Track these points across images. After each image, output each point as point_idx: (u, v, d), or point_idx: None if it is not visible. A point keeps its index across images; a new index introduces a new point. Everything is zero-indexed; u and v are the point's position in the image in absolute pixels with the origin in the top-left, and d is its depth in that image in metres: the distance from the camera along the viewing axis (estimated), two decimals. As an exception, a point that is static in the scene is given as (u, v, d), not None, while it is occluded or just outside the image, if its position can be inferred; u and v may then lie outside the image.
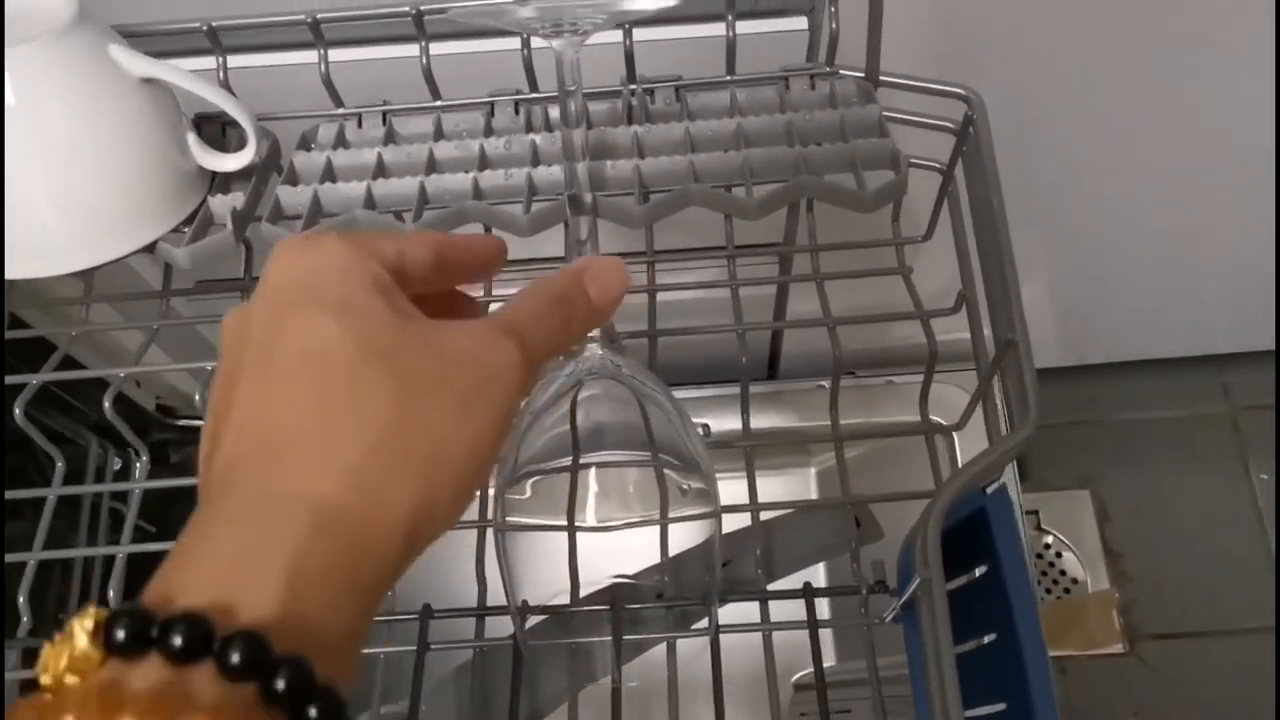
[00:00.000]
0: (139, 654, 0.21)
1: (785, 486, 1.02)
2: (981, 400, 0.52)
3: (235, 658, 0.21)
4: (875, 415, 0.93)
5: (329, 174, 0.49)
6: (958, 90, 0.50)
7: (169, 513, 0.97)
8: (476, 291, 0.54)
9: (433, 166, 0.49)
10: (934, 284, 0.59)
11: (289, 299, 0.27)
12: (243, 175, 0.49)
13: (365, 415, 0.25)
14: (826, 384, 1.02)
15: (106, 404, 0.57)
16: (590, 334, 0.46)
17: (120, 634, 0.21)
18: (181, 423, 1.05)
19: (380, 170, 0.49)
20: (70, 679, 0.22)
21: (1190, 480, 1.17)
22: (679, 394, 0.59)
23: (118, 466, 0.98)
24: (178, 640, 0.21)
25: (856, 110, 0.49)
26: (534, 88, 0.52)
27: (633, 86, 0.51)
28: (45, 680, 0.22)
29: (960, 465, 0.63)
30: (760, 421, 0.93)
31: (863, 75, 0.51)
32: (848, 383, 1.07)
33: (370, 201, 0.47)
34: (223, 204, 0.47)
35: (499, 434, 0.28)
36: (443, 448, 0.26)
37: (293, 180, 0.48)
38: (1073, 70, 0.77)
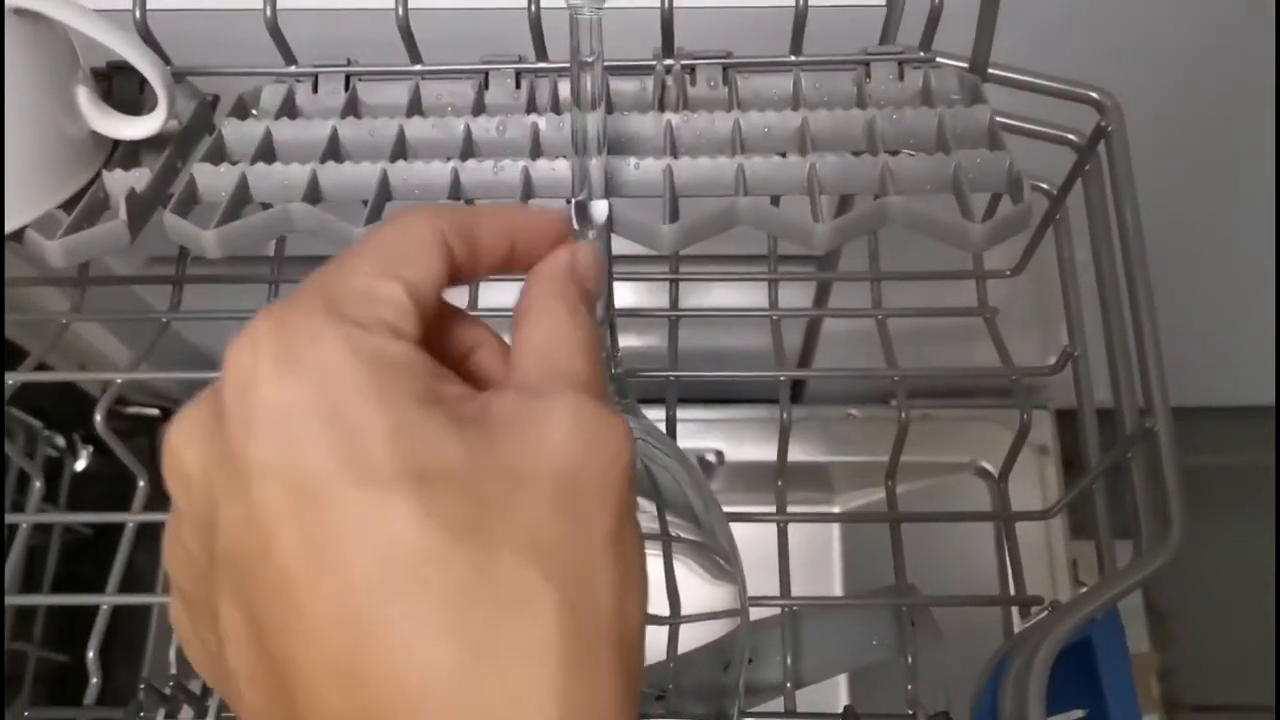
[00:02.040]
0: None
1: (802, 537, 0.91)
2: (1091, 492, 0.40)
3: None
4: (914, 456, 0.82)
5: (266, 151, 0.37)
6: (1091, 94, 0.39)
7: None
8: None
9: (402, 150, 0.37)
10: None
11: (311, 479, 0.18)
12: (155, 145, 0.38)
13: (531, 638, 0.18)
14: (857, 412, 0.91)
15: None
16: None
17: None
18: (132, 410, 0.94)
19: (334, 150, 0.37)
20: None
21: (1248, 537, 1.06)
22: (686, 413, 0.49)
23: (52, 454, 0.87)
24: None
25: (960, 111, 0.37)
26: (541, 55, 0.40)
27: (669, 62, 0.40)
28: None
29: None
30: (781, 453, 0.82)
31: (967, 66, 0.39)
32: (878, 414, 0.96)
33: (314, 192, 0.36)
34: (120, 182, 0.36)
35: (646, 575, 0.21)
36: (628, 635, 0.19)
37: (217, 156, 0.37)
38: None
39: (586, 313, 0.24)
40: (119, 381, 0.46)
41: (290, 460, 0.19)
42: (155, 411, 0.92)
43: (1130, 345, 0.37)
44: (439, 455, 0.19)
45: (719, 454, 0.87)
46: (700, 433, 0.88)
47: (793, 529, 0.48)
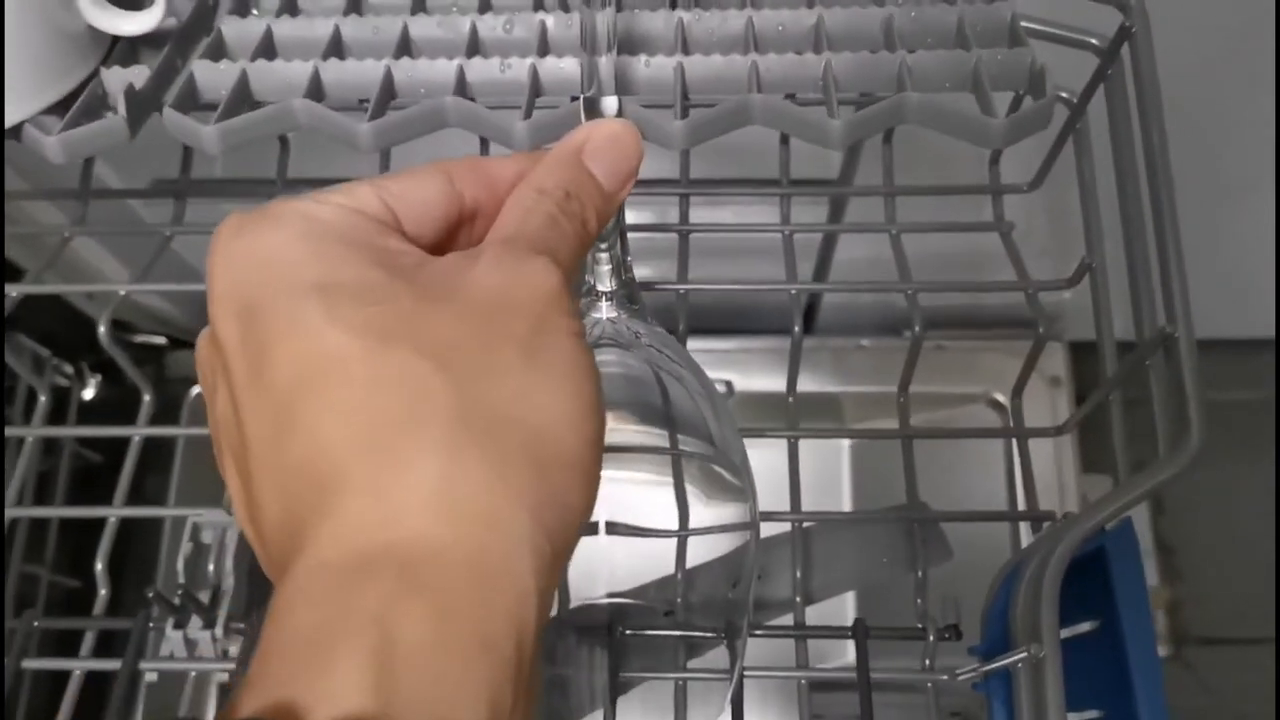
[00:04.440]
0: None
1: (810, 461, 0.90)
2: (1107, 402, 0.40)
3: None
4: (927, 386, 0.81)
5: (266, 48, 0.36)
6: (1117, -8, 0.37)
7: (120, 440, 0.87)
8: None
9: (406, 48, 0.36)
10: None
11: (249, 299, 0.21)
12: (155, 44, 0.37)
13: (420, 417, 0.19)
14: (867, 342, 0.90)
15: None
16: (603, 289, 0.34)
17: None
18: (139, 339, 0.94)
19: (336, 48, 0.36)
20: None
21: (1258, 472, 1.05)
22: (697, 344, 0.49)
23: (61, 383, 0.87)
24: None
25: (980, 8, 0.36)
26: (549, -47, 0.39)
27: (680, -41, 0.39)
28: None
29: (1015, 447, 0.52)
30: (791, 383, 0.82)
31: (988, -37, 0.38)
32: (889, 344, 0.95)
33: (317, 89, 0.35)
34: (119, 79, 0.35)
35: (587, 380, 0.22)
36: (535, 419, 0.20)
37: (217, 54, 0.36)
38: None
39: (563, 196, 0.24)
40: (123, 293, 0.46)
41: (235, 294, 0.21)
42: (162, 340, 0.92)
43: (1151, 254, 0.37)
44: (353, 275, 0.21)
45: (728, 385, 0.86)
46: (710, 364, 0.87)
47: (801, 456, 0.48)
